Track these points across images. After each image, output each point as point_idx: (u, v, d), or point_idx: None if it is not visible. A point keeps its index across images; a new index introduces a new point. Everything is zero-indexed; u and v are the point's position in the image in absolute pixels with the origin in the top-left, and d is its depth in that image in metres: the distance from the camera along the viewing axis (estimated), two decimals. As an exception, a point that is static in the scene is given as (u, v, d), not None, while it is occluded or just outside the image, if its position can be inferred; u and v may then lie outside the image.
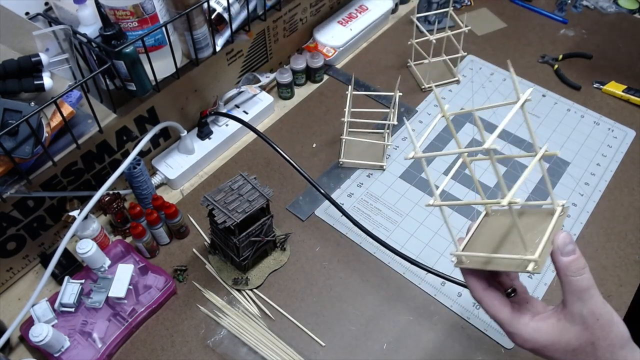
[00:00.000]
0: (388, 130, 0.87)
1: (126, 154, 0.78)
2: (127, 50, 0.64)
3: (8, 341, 0.65)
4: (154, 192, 0.80)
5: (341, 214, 0.79)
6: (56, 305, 0.67)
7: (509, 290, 0.47)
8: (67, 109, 0.64)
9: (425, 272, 0.73)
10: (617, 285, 0.72)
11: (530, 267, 0.41)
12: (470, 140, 0.90)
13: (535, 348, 0.45)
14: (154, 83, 0.73)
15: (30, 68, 0.62)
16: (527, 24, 1.13)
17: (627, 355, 0.43)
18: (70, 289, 0.68)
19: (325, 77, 1.02)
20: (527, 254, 0.41)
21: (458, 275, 0.68)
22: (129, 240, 0.78)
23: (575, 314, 0.43)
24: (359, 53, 1.07)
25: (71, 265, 0.73)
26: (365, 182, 0.84)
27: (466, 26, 0.92)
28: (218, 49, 0.80)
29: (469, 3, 1.17)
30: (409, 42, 0.98)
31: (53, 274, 0.72)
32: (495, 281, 0.49)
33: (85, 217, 0.69)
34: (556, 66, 1.02)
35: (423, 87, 0.99)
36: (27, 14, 0.73)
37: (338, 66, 1.04)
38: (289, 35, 0.99)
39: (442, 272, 0.70)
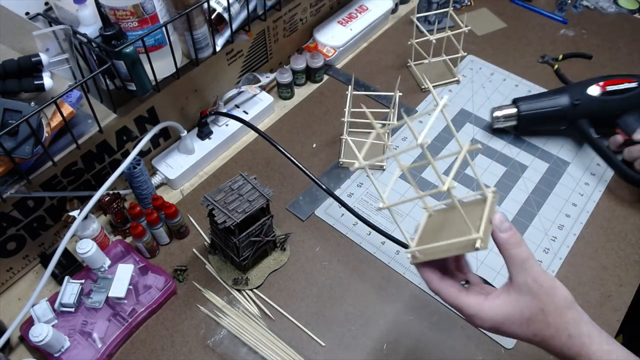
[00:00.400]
0: (388, 131, 0.87)
1: (126, 154, 0.78)
2: (127, 50, 0.64)
3: (8, 341, 0.65)
4: (154, 192, 0.80)
5: (341, 214, 0.79)
6: (56, 305, 0.67)
7: (463, 282, 0.50)
8: (67, 109, 0.64)
9: (425, 272, 0.73)
10: (617, 285, 0.72)
11: (477, 244, 0.45)
12: (470, 140, 0.90)
13: (495, 326, 0.47)
14: (154, 83, 0.73)
15: (30, 68, 0.62)
16: (527, 24, 1.13)
17: (574, 316, 0.47)
18: (70, 289, 0.68)
19: (325, 77, 1.02)
20: (473, 234, 0.45)
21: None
22: (129, 240, 0.78)
23: (521, 285, 0.46)
24: (359, 53, 1.07)
25: (71, 265, 0.73)
26: (365, 182, 0.84)
27: (466, 26, 0.92)
28: (218, 49, 0.80)
29: (469, 3, 1.17)
30: (409, 42, 0.98)
31: (53, 274, 0.72)
32: (450, 275, 0.52)
33: (85, 217, 0.69)
34: (556, 66, 1.02)
35: (423, 87, 0.99)
36: (27, 14, 0.72)
37: (338, 66, 1.04)
38: (289, 35, 0.99)
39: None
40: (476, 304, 0.48)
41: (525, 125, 0.88)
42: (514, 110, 0.88)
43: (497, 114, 0.88)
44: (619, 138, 0.82)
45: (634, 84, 0.83)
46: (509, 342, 0.67)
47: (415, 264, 0.51)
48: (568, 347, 0.47)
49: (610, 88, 0.84)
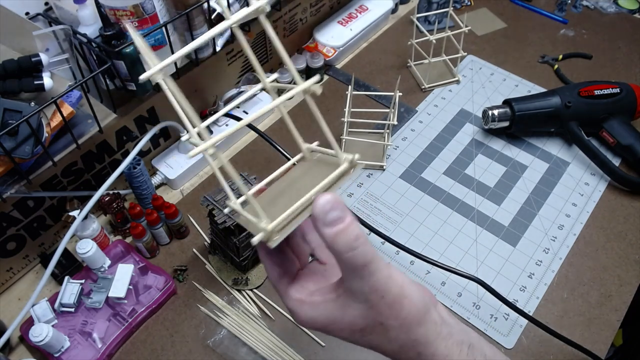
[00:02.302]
0: (388, 130, 0.87)
1: (126, 154, 0.77)
2: (127, 50, 0.64)
3: (8, 341, 0.65)
4: (154, 192, 0.80)
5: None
6: (56, 305, 0.67)
7: (310, 258, 0.40)
8: (67, 109, 0.64)
9: (426, 272, 0.73)
10: (617, 285, 0.72)
11: (256, 238, 0.32)
12: (470, 140, 0.90)
13: (317, 328, 0.38)
14: (154, 83, 0.72)
15: (30, 68, 0.62)
16: (527, 24, 1.13)
17: (426, 333, 0.36)
18: (70, 289, 0.68)
19: (325, 77, 1.02)
20: (262, 222, 0.32)
21: (462, 270, 0.68)
22: (129, 240, 0.78)
23: (355, 292, 0.35)
24: (359, 53, 1.07)
25: (71, 265, 0.73)
26: (365, 182, 0.84)
27: (466, 26, 0.92)
28: (218, 49, 0.80)
29: (469, 3, 1.17)
30: (409, 42, 0.98)
31: (53, 274, 0.72)
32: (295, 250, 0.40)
33: (85, 217, 0.69)
34: (556, 66, 1.02)
35: (423, 87, 0.99)
36: (27, 14, 0.72)
37: (338, 66, 1.04)
38: (289, 35, 0.99)
39: (446, 264, 0.69)
40: (296, 299, 0.37)
41: (518, 126, 0.88)
42: (506, 110, 0.88)
43: (490, 113, 0.88)
44: None
45: (617, 90, 0.86)
46: (509, 342, 0.67)
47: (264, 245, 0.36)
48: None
49: (597, 92, 0.85)
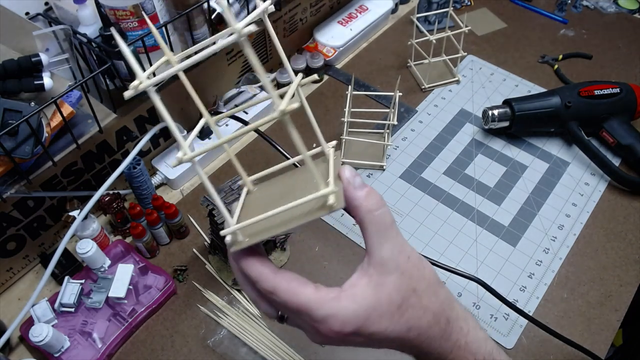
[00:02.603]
0: (388, 130, 0.87)
1: (126, 154, 0.77)
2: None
3: (8, 341, 0.65)
4: (154, 192, 0.80)
5: (342, 214, 0.79)
6: (56, 305, 0.67)
7: None
8: (67, 109, 0.64)
9: (425, 272, 0.73)
10: (617, 285, 0.72)
11: (331, 201, 0.33)
12: (470, 140, 0.90)
13: (359, 325, 0.34)
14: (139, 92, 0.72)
15: (30, 68, 0.62)
16: (527, 24, 1.13)
17: (447, 294, 0.38)
18: (70, 289, 0.68)
19: (325, 77, 1.02)
20: (322, 189, 0.33)
21: (462, 270, 0.68)
22: (129, 240, 0.78)
23: (386, 259, 0.35)
24: (359, 53, 1.07)
25: (71, 265, 0.73)
26: (365, 182, 0.84)
27: (466, 26, 0.92)
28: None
29: (469, 3, 1.17)
30: (409, 42, 0.98)
31: (53, 274, 0.72)
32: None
33: (85, 217, 0.69)
34: (556, 66, 1.02)
35: (423, 87, 0.99)
36: (27, 14, 0.73)
37: (338, 66, 1.04)
38: (289, 35, 0.99)
39: (446, 264, 0.69)
40: (331, 299, 0.34)
41: (517, 126, 0.88)
42: (506, 110, 0.88)
43: (490, 113, 0.88)
44: None
45: (617, 90, 0.86)
46: (509, 342, 0.67)
47: (235, 252, 0.36)
48: (447, 336, 0.38)
49: (597, 92, 0.85)
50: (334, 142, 0.39)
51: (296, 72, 0.96)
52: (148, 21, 0.36)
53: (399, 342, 0.37)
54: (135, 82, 0.33)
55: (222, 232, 0.36)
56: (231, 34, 0.30)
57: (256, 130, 0.81)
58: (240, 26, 0.30)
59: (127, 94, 0.32)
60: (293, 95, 0.36)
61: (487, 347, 0.40)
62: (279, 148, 0.77)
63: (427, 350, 0.38)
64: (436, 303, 0.37)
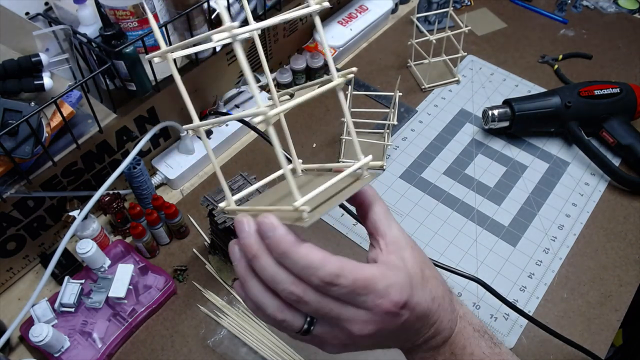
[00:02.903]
0: (388, 130, 0.87)
1: (126, 154, 0.78)
2: (127, 50, 0.64)
3: (8, 341, 0.65)
4: (154, 192, 0.80)
5: (342, 214, 0.79)
6: (56, 305, 0.67)
7: None
8: (67, 109, 0.64)
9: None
10: (617, 285, 0.72)
11: (303, 217, 0.32)
12: (470, 140, 0.90)
13: (409, 294, 0.35)
14: (154, 83, 0.73)
15: (30, 68, 0.62)
16: (527, 24, 1.13)
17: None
18: (70, 289, 0.68)
19: (325, 77, 1.02)
20: (297, 198, 0.32)
21: (462, 269, 0.68)
22: (129, 240, 0.78)
23: (397, 237, 0.38)
24: (359, 53, 1.07)
25: (71, 265, 0.73)
26: (365, 182, 0.84)
27: (466, 26, 0.91)
28: (218, 49, 0.80)
29: (469, 3, 1.17)
30: (409, 42, 0.98)
31: (53, 274, 0.72)
32: None
33: (85, 217, 0.69)
34: (556, 66, 1.02)
35: (423, 87, 0.99)
36: (27, 14, 0.72)
37: (338, 66, 1.04)
38: (289, 35, 0.99)
39: (446, 264, 0.69)
40: (386, 269, 0.35)
41: (518, 126, 0.88)
42: (506, 110, 0.88)
43: (490, 113, 0.88)
44: None
45: (617, 89, 0.86)
46: (509, 342, 0.67)
47: (287, 239, 0.33)
48: (452, 307, 0.40)
49: (597, 92, 0.85)
50: (367, 160, 0.38)
51: (295, 72, 0.97)
52: (151, 18, 0.36)
53: (426, 318, 0.37)
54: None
55: (219, 207, 0.37)
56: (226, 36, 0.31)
57: (256, 130, 0.81)
58: (235, 25, 0.30)
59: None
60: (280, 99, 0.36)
61: (477, 320, 0.42)
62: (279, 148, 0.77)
63: (443, 326, 0.38)
64: (437, 273, 0.39)
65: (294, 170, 0.42)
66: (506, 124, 0.88)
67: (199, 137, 0.37)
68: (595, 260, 0.75)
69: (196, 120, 0.37)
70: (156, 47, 0.71)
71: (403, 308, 0.34)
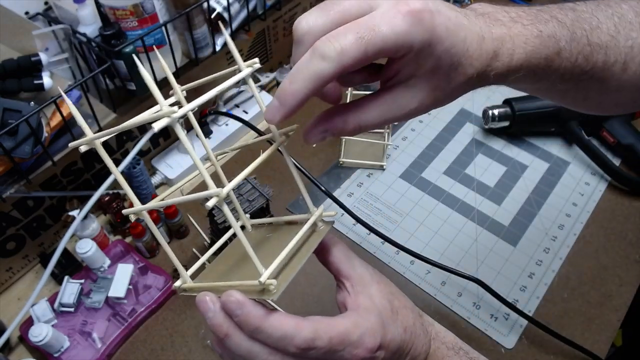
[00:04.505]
0: (388, 130, 0.87)
1: (126, 154, 0.78)
2: (127, 49, 0.64)
3: (8, 341, 0.65)
4: (154, 192, 0.80)
5: (342, 214, 0.79)
6: (56, 305, 0.67)
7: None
8: (66, 109, 0.64)
9: (426, 272, 0.73)
10: (617, 285, 0.72)
11: (271, 290, 0.33)
12: (470, 140, 0.90)
13: (382, 335, 0.36)
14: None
15: (29, 67, 0.62)
16: (527, 23, 1.13)
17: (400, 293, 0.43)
18: (70, 289, 0.68)
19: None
20: (261, 272, 0.33)
21: (462, 270, 0.68)
22: (128, 240, 0.78)
23: (362, 275, 0.39)
24: (359, 53, 1.07)
25: (71, 265, 0.73)
26: (365, 182, 0.84)
27: (466, 26, 0.91)
28: (218, 48, 0.80)
29: (469, 2, 1.17)
30: (409, 42, 0.98)
31: (53, 274, 0.72)
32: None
33: (85, 217, 0.69)
34: (556, 66, 1.02)
35: (423, 86, 0.99)
36: (26, 13, 0.72)
37: (338, 66, 1.04)
38: (289, 35, 0.99)
39: (446, 264, 0.69)
40: (357, 319, 0.36)
41: (518, 126, 0.88)
42: (507, 110, 0.88)
43: (490, 113, 0.88)
44: None
45: None
46: (509, 342, 0.67)
47: (255, 314, 0.33)
48: (425, 331, 0.41)
49: None
50: (319, 212, 0.39)
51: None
52: (72, 108, 0.36)
53: (401, 349, 0.38)
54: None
55: (175, 284, 0.38)
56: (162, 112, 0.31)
57: (256, 130, 0.81)
58: (175, 110, 0.30)
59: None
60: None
61: (450, 337, 0.43)
62: (279, 148, 0.77)
63: (417, 352, 0.39)
64: (407, 300, 0.41)
65: (242, 227, 0.42)
66: (506, 123, 0.88)
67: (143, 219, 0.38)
68: (596, 260, 0.75)
69: (137, 204, 0.38)
70: (157, 46, 0.71)
71: (378, 350, 0.36)
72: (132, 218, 0.65)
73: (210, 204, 0.31)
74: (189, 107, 0.32)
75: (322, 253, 0.41)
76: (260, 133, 0.80)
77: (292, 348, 0.33)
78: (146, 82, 0.30)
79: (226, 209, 0.32)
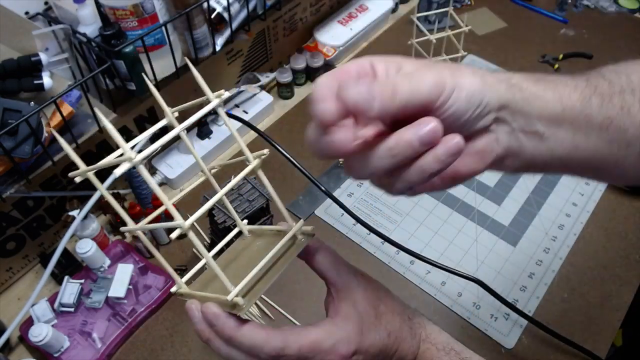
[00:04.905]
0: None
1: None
2: (127, 49, 0.64)
3: (8, 341, 0.65)
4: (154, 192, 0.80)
5: (341, 214, 0.79)
6: (56, 305, 0.67)
7: None
8: (66, 109, 0.64)
9: (426, 272, 0.73)
10: (617, 285, 0.72)
11: (239, 302, 0.34)
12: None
13: (358, 342, 0.38)
14: (153, 82, 0.73)
15: (29, 67, 0.62)
16: (527, 23, 1.13)
17: (392, 292, 0.44)
18: (70, 289, 0.68)
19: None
20: (230, 290, 0.35)
21: (462, 270, 0.68)
22: (128, 240, 0.78)
23: (347, 281, 0.40)
24: (359, 53, 1.07)
25: (71, 265, 0.73)
26: (365, 182, 0.84)
27: (466, 26, 0.91)
28: (218, 48, 0.80)
29: (469, 2, 1.17)
30: (409, 42, 0.98)
31: (53, 274, 0.71)
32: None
33: (85, 217, 0.69)
34: (557, 66, 1.02)
35: (423, 86, 0.99)
36: (26, 13, 0.72)
37: (338, 66, 1.04)
38: (289, 35, 0.99)
39: (446, 264, 0.69)
40: (331, 327, 0.38)
41: None
42: None
43: None
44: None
45: None
46: (509, 342, 0.67)
47: (228, 325, 0.36)
48: (413, 334, 0.42)
49: None
50: (308, 228, 0.40)
51: (295, 72, 0.97)
52: None
53: (384, 353, 0.40)
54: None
55: (173, 289, 0.40)
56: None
57: (256, 130, 0.80)
58: (133, 156, 0.32)
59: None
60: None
61: (442, 337, 0.44)
62: (279, 148, 0.77)
63: (404, 354, 0.41)
64: (395, 304, 0.42)
65: (240, 233, 0.45)
66: None
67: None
68: (596, 260, 0.75)
69: (131, 224, 0.39)
70: (157, 46, 0.71)
71: (354, 355, 0.38)
72: (128, 236, 0.66)
73: (173, 235, 0.33)
74: (148, 152, 0.33)
75: (307, 260, 0.42)
76: (260, 133, 0.80)
77: (264, 356, 0.36)
78: (107, 128, 0.31)
79: (193, 237, 0.33)
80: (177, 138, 0.36)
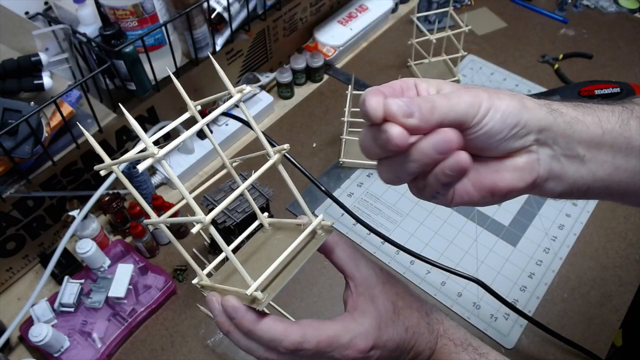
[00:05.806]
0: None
1: (125, 153, 0.78)
2: (127, 49, 0.64)
3: (8, 341, 0.65)
4: (154, 192, 0.80)
5: (341, 214, 0.79)
6: (56, 305, 0.67)
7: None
8: (66, 109, 0.64)
9: (426, 272, 0.73)
10: (617, 285, 0.72)
11: (259, 297, 0.35)
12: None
13: (375, 337, 0.38)
14: (153, 83, 0.73)
15: (29, 67, 0.62)
16: (527, 23, 1.13)
17: (411, 289, 0.45)
18: (70, 289, 0.68)
19: (325, 77, 1.02)
20: (250, 284, 0.35)
21: (462, 270, 0.68)
22: (128, 240, 0.78)
23: (366, 276, 0.40)
24: (359, 53, 1.07)
25: (71, 265, 0.73)
26: (365, 182, 0.84)
27: (466, 26, 0.91)
28: (218, 48, 0.80)
29: (469, 2, 1.17)
30: (409, 42, 0.98)
31: (53, 274, 0.71)
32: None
33: (85, 217, 0.69)
34: (556, 66, 1.02)
35: (423, 86, 0.99)
36: (26, 13, 0.72)
37: (338, 66, 1.04)
38: (289, 35, 0.99)
39: (446, 265, 0.69)
40: (349, 323, 0.38)
41: None
42: None
43: None
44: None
45: (617, 89, 0.86)
46: (509, 342, 0.67)
47: (248, 318, 0.37)
48: (431, 329, 0.42)
49: (598, 92, 0.85)
50: (329, 222, 0.39)
51: (295, 72, 0.97)
52: None
53: (402, 348, 0.40)
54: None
55: (194, 281, 0.41)
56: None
57: (256, 130, 0.80)
58: (155, 152, 0.33)
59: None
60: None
61: (460, 333, 0.44)
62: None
63: (421, 349, 0.41)
64: (413, 299, 0.42)
65: (261, 225, 0.45)
66: None
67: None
68: (596, 260, 0.75)
69: (154, 217, 0.40)
70: (157, 46, 0.71)
71: (372, 350, 0.38)
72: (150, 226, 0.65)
73: (194, 230, 0.34)
74: (170, 147, 0.34)
75: (326, 254, 0.42)
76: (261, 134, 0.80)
77: (282, 349, 0.36)
78: (133, 127, 0.31)
79: (214, 231, 0.34)
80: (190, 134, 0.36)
